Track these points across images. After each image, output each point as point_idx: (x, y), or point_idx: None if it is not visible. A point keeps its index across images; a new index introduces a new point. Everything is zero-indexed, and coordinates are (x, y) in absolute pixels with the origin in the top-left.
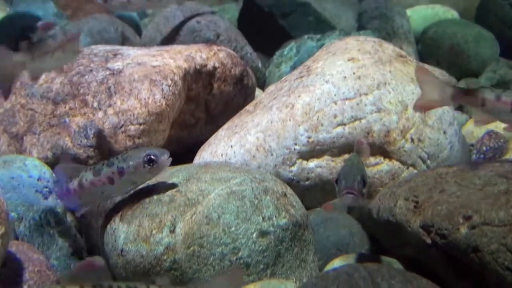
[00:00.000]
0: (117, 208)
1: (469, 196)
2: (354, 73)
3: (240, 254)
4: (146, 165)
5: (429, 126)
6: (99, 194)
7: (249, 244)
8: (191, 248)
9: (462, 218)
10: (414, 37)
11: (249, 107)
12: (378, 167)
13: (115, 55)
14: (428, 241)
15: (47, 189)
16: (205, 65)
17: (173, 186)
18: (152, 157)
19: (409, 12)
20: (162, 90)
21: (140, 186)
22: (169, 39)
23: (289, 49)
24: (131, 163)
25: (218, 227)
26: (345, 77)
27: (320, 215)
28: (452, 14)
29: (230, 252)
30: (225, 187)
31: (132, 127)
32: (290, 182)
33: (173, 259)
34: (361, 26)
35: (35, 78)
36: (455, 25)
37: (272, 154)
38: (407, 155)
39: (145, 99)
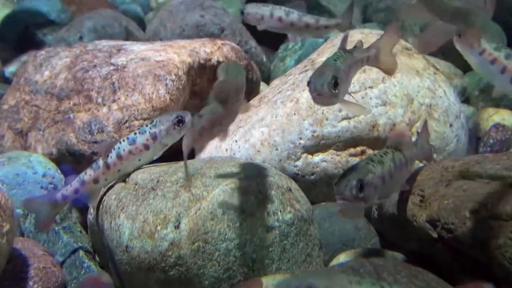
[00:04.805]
0: (121, 204)
1: (476, 190)
2: None
3: (245, 249)
4: (176, 126)
5: (435, 119)
6: (136, 162)
7: (254, 239)
8: (196, 244)
9: (468, 212)
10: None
11: (253, 101)
12: None
13: (119, 50)
14: (434, 235)
15: (52, 185)
16: (210, 60)
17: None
18: (180, 118)
19: None
20: (166, 85)
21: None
22: (173, 33)
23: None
24: (162, 127)
25: (223, 223)
26: None
27: (326, 210)
28: None
29: (235, 247)
30: (229, 182)
31: (136, 123)
32: (295, 177)
33: (178, 255)
34: (366, 19)
35: None
36: None
37: (277, 149)
38: None
39: (149, 94)
